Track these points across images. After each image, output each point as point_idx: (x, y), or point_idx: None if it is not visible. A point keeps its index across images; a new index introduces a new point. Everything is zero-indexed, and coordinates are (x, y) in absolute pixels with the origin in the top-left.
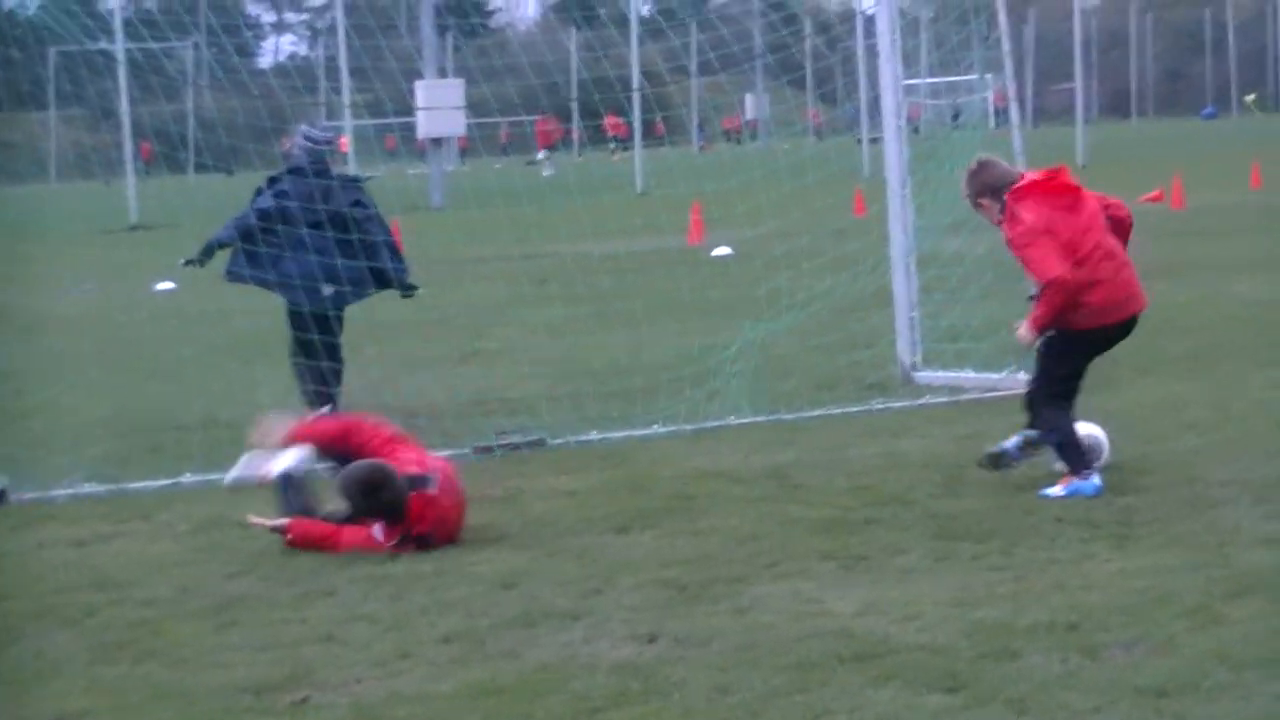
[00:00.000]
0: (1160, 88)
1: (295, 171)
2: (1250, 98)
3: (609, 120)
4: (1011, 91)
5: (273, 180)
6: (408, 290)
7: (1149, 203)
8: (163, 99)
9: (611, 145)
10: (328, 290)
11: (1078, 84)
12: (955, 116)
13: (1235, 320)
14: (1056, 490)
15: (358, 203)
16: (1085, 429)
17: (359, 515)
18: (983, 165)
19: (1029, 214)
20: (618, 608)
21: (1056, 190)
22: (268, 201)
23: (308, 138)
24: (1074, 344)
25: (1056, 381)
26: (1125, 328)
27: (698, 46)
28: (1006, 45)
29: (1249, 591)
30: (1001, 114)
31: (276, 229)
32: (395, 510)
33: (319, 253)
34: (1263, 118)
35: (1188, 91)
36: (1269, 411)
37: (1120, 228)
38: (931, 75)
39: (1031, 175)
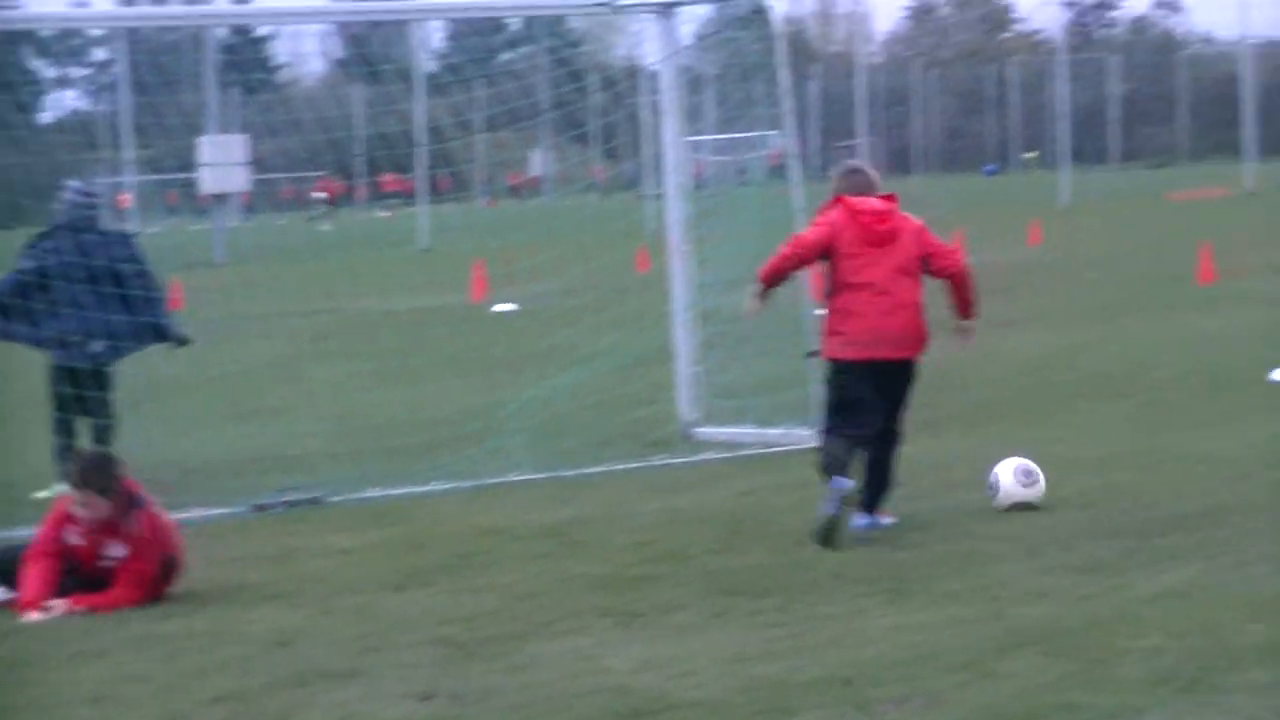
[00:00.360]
0: (943, 144)
1: (65, 227)
2: (1030, 155)
3: (388, 178)
4: (793, 148)
5: (43, 236)
6: (180, 342)
7: None
8: None
9: (392, 202)
10: (99, 346)
11: (861, 140)
12: (742, 173)
13: (1012, 377)
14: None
15: (129, 258)
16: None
17: (100, 494)
18: (848, 171)
19: (832, 215)
20: (394, 666)
21: (869, 225)
22: (36, 258)
23: (79, 192)
24: (837, 372)
25: (831, 411)
26: (888, 371)
27: (483, 102)
28: (789, 102)
29: (1020, 646)
30: (780, 171)
31: (47, 285)
32: (125, 492)
33: (90, 308)
34: (1043, 175)
35: (970, 148)
36: (1042, 467)
37: (949, 282)
38: (716, 132)
39: (880, 198)
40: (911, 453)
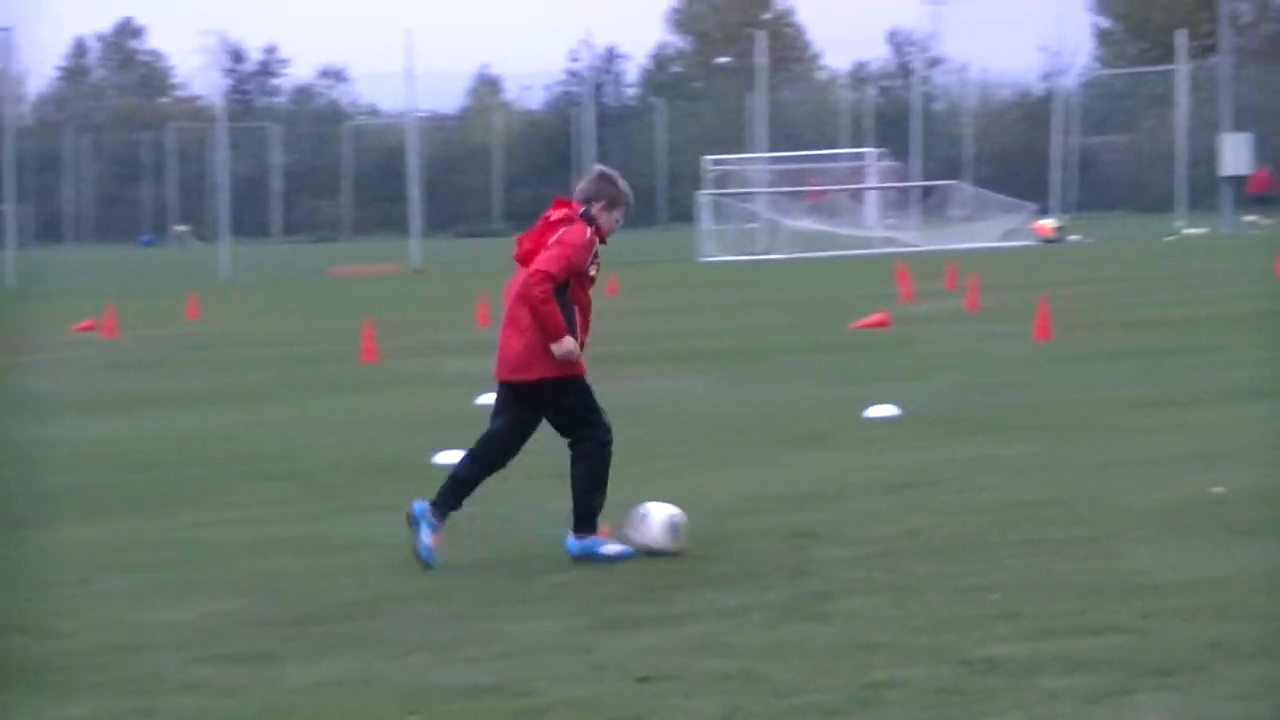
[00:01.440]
0: (97, 212)
1: None
2: (184, 228)
3: None
4: None
5: None
6: None
7: (81, 332)
8: None
9: None
10: None
11: (9, 207)
12: None
13: (168, 457)
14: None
15: None
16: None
17: None
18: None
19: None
20: None
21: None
22: None
23: None
24: None
25: None
26: (509, 389)
27: None
28: None
29: None
30: None
31: None
32: None
33: None
34: (203, 247)
35: (126, 217)
36: (206, 549)
37: None
38: None
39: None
40: (78, 536)
